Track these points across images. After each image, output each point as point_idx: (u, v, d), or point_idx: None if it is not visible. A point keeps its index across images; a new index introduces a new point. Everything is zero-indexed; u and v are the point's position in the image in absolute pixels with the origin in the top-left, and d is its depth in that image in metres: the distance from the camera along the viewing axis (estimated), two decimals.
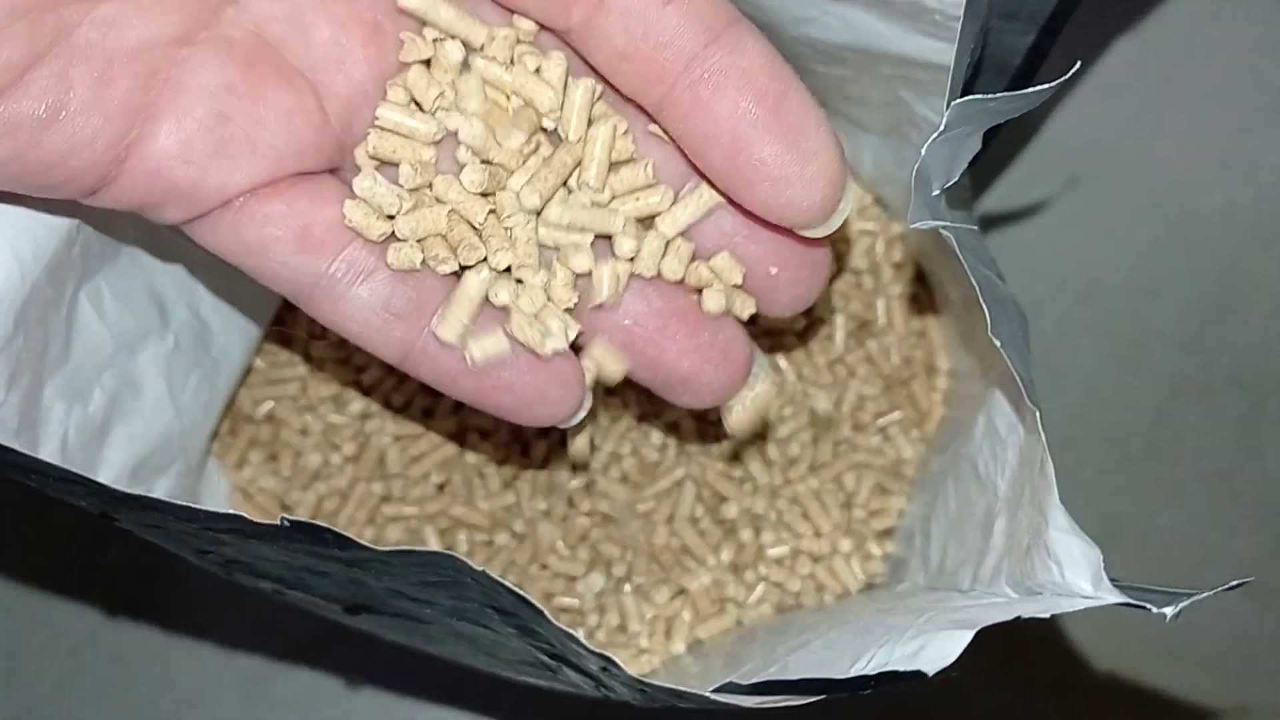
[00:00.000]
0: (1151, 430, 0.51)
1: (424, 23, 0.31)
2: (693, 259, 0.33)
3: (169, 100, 0.29)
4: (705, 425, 0.44)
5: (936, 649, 0.27)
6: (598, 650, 0.29)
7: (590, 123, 0.31)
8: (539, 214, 0.31)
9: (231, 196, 0.30)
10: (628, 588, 0.42)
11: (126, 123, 0.29)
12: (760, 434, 0.44)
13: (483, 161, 0.31)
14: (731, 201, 0.32)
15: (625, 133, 0.32)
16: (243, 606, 0.49)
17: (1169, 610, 0.26)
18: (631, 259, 0.32)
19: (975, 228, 0.39)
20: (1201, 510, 0.51)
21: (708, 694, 0.29)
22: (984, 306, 0.28)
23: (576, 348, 0.32)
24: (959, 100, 0.27)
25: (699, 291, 0.33)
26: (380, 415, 0.44)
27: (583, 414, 0.33)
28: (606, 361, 0.33)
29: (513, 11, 0.31)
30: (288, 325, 0.45)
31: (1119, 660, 0.48)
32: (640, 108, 0.31)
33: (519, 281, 0.32)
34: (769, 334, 0.45)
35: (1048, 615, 0.28)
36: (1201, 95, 0.54)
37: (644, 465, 0.43)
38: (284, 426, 0.44)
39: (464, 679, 0.47)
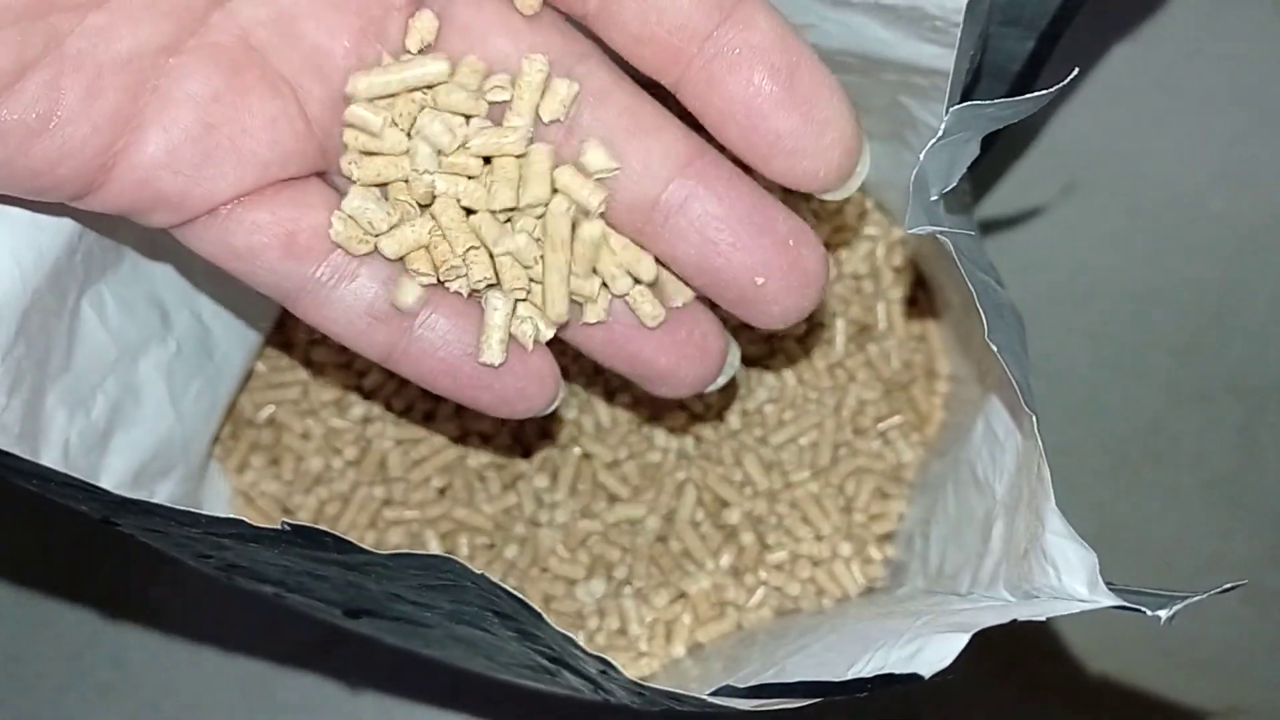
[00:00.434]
0: (1149, 436, 0.51)
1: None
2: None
3: (156, 110, 0.29)
4: (706, 428, 0.44)
5: (933, 652, 0.27)
6: (596, 654, 0.29)
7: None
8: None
9: (217, 204, 0.30)
10: (628, 591, 0.42)
11: (114, 132, 0.29)
12: (761, 439, 0.44)
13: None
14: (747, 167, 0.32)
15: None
16: (244, 610, 0.48)
17: (1164, 613, 0.26)
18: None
19: (974, 233, 0.39)
20: (1199, 515, 0.51)
21: (705, 697, 0.29)
22: (981, 312, 0.28)
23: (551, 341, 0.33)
24: (958, 106, 0.27)
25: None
26: (381, 419, 0.44)
27: (556, 405, 0.34)
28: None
29: None
30: (288, 329, 0.45)
31: (1117, 663, 0.48)
32: (658, 86, 0.32)
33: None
34: (769, 339, 0.45)
35: (1044, 618, 0.28)
36: (1199, 102, 0.54)
37: (645, 468, 0.44)
38: (285, 431, 0.44)
39: (463, 682, 0.47)
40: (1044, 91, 0.28)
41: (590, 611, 0.42)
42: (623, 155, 0.32)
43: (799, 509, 0.43)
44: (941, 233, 0.27)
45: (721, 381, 0.35)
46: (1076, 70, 0.29)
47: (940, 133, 0.28)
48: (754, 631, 0.41)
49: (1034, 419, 0.29)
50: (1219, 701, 0.48)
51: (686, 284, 0.33)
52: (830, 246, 0.46)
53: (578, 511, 0.43)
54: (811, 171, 0.31)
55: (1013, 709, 0.48)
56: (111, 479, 0.36)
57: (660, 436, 0.44)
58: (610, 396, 0.44)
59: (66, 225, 0.32)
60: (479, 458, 0.44)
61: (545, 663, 0.32)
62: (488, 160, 0.31)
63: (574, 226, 0.32)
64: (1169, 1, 0.55)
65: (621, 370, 0.34)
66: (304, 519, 0.43)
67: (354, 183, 0.31)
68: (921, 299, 0.46)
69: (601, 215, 0.32)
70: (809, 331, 0.45)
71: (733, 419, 0.44)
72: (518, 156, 0.31)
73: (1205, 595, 0.26)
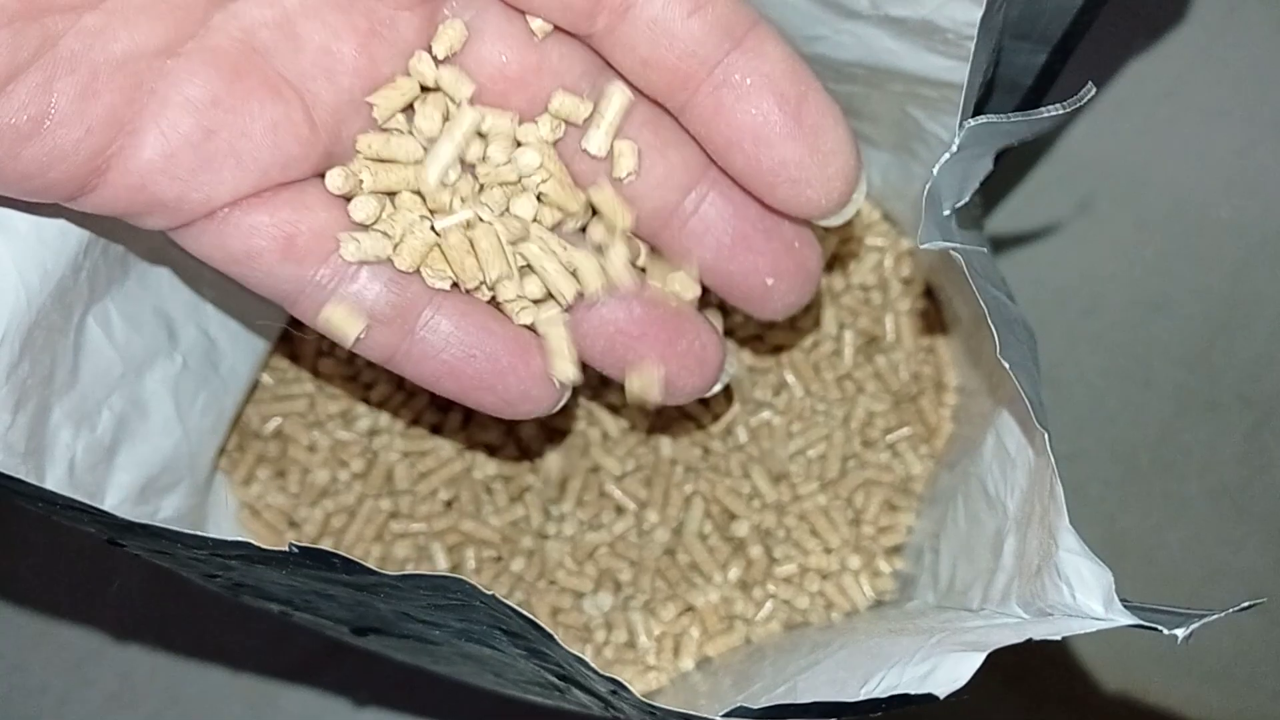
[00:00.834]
0: (1158, 445, 0.51)
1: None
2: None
3: (153, 114, 0.29)
4: (714, 440, 0.44)
5: (948, 671, 0.27)
6: (607, 674, 0.29)
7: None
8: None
9: (216, 208, 0.30)
10: (635, 604, 0.42)
11: (109, 135, 0.28)
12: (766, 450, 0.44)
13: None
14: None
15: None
16: (249, 622, 0.48)
17: (1180, 632, 0.26)
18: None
19: (985, 248, 0.39)
20: (1208, 525, 0.51)
21: (718, 718, 0.29)
22: (993, 329, 0.28)
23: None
24: (972, 122, 0.27)
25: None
26: (388, 431, 0.44)
27: (560, 405, 0.34)
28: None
29: (530, 14, 0.31)
30: (295, 341, 0.45)
31: (1125, 675, 0.48)
32: (663, 107, 0.32)
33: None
34: (776, 350, 0.45)
35: (1059, 637, 0.28)
36: (1207, 112, 0.55)
37: (653, 480, 0.43)
38: (292, 443, 0.44)
39: (469, 696, 0.47)
40: (1058, 108, 0.28)
41: (598, 625, 0.42)
42: (647, 166, 0.32)
43: (807, 521, 0.43)
44: (954, 249, 0.27)
45: (717, 388, 0.35)
46: (1092, 87, 0.28)
47: (954, 148, 0.27)
48: (763, 646, 0.41)
49: (1046, 436, 0.29)
50: (1227, 712, 0.48)
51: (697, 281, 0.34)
52: (838, 258, 0.46)
53: (585, 524, 0.43)
54: (814, 200, 0.31)
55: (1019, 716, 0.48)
56: (117, 494, 0.36)
57: (668, 448, 0.44)
58: (617, 410, 0.44)
59: (71, 242, 0.32)
60: (485, 469, 0.43)
61: (555, 680, 0.32)
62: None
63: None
64: (1179, 13, 0.55)
65: (621, 378, 0.34)
66: (310, 532, 0.43)
67: (362, 190, 0.31)
68: (930, 311, 0.46)
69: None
70: (817, 343, 0.45)
71: (740, 431, 0.44)
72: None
73: (1223, 614, 0.25)
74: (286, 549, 0.26)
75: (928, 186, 0.27)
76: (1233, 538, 0.50)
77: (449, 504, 0.43)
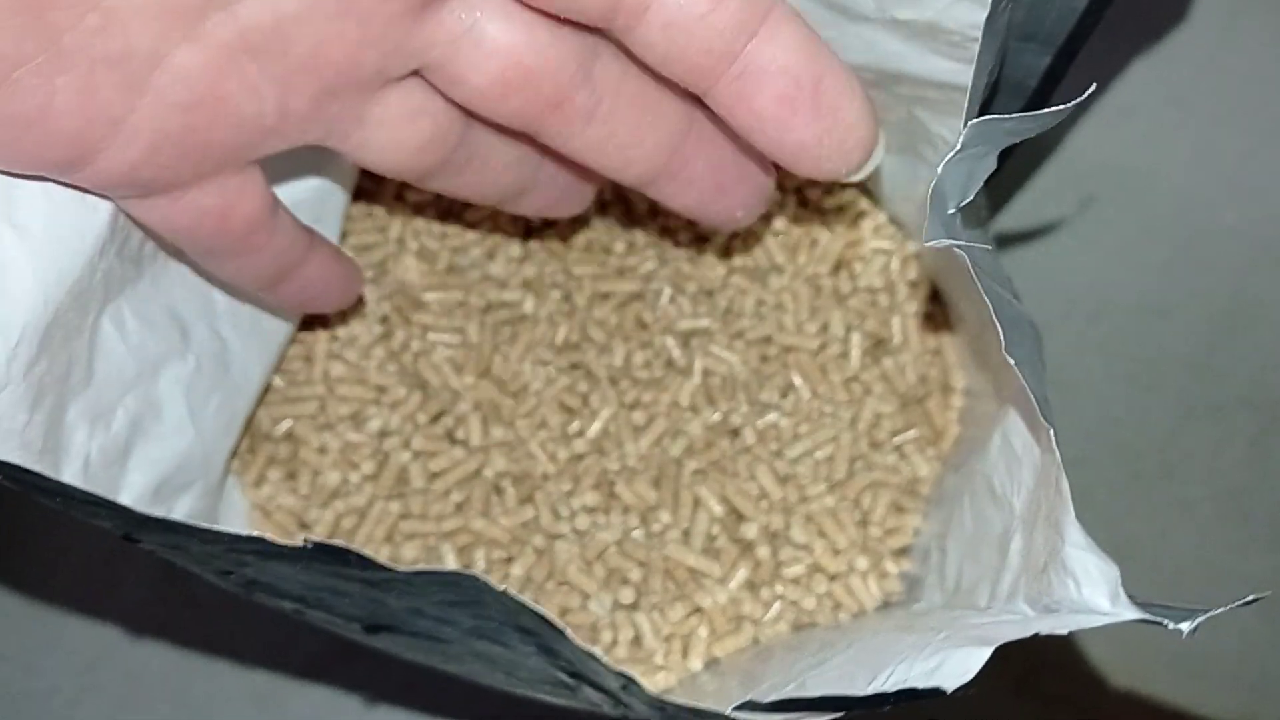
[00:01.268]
0: (1163, 450, 0.51)
1: None
2: None
3: (146, 110, 0.30)
4: (723, 440, 0.44)
5: (955, 665, 0.27)
6: (619, 669, 0.29)
7: None
8: None
9: (177, 189, 0.32)
10: (644, 604, 0.42)
11: (102, 129, 0.29)
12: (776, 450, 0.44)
13: None
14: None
15: None
16: (257, 624, 0.49)
17: (1185, 626, 0.26)
18: None
19: (990, 247, 0.39)
20: (1214, 529, 0.51)
21: (727, 713, 0.29)
22: (998, 326, 0.28)
23: None
24: (976, 120, 0.28)
25: None
26: (398, 433, 0.44)
27: None
28: None
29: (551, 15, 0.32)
30: (308, 342, 0.45)
31: (1134, 677, 0.48)
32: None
33: None
34: (783, 352, 0.45)
35: (1065, 632, 0.28)
36: (1212, 118, 0.55)
37: (662, 482, 0.44)
38: (303, 445, 0.44)
39: (478, 697, 0.47)
40: (1061, 106, 0.28)
41: (605, 625, 0.42)
42: (638, 140, 0.34)
43: (814, 523, 0.43)
44: (959, 246, 0.28)
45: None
46: (1094, 85, 0.29)
47: (959, 146, 0.28)
48: (770, 647, 0.41)
49: (1052, 432, 0.29)
50: (1235, 715, 0.48)
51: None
52: (845, 261, 0.46)
53: (594, 525, 0.43)
54: (835, 170, 0.33)
55: None
56: (132, 494, 0.36)
57: (677, 449, 0.44)
58: (630, 408, 0.45)
59: (88, 242, 0.32)
60: (495, 468, 0.44)
61: (565, 678, 0.32)
62: None
63: None
64: (1183, 18, 0.55)
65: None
66: (321, 533, 0.43)
67: None
68: (936, 313, 0.46)
69: None
70: (824, 345, 0.45)
71: (748, 433, 0.44)
72: None
73: (1228, 608, 0.26)
74: (301, 544, 0.26)
75: (933, 184, 0.28)
76: (1238, 541, 0.50)
77: (459, 505, 0.44)
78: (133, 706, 0.49)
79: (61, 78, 0.28)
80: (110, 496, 0.31)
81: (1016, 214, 0.54)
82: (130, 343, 0.36)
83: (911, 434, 0.45)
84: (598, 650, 0.32)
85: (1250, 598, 0.26)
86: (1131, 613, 0.27)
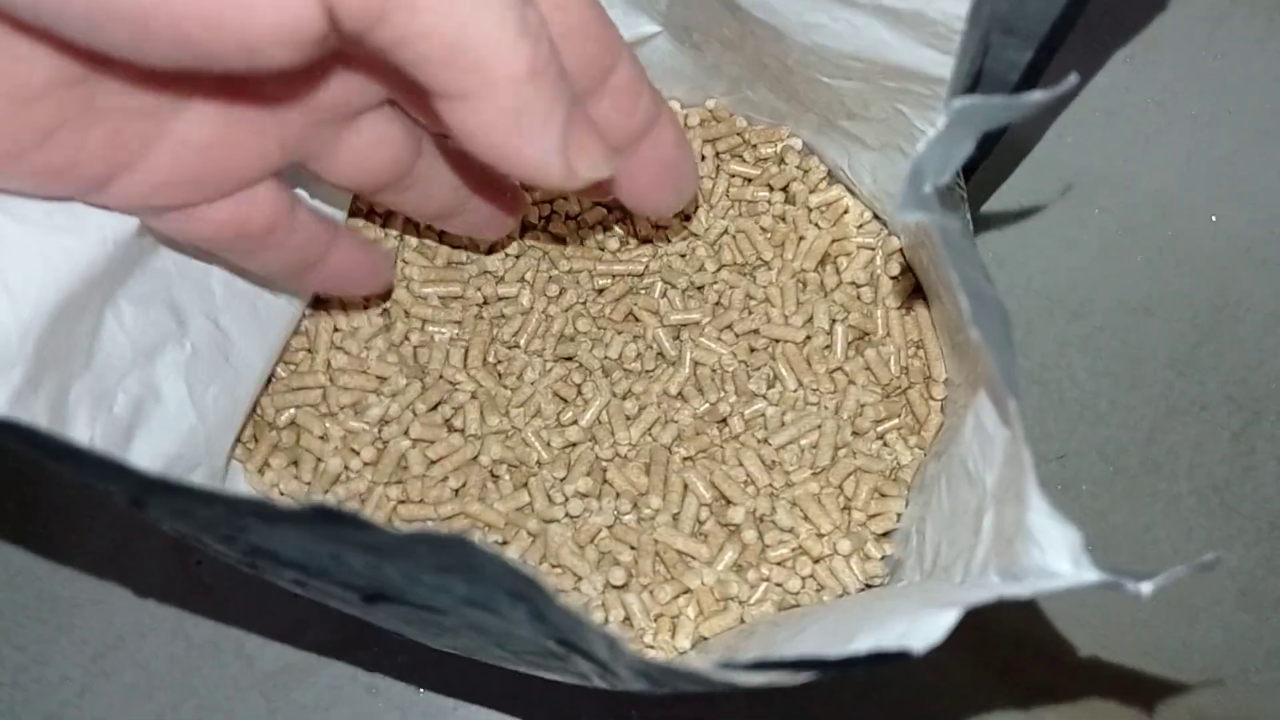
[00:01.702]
0: (1147, 446, 0.52)
1: None
2: None
3: (165, 150, 0.32)
4: (711, 429, 0.45)
5: (923, 630, 0.27)
6: (604, 630, 0.29)
7: None
8: None
9: (190, 208, 0.34)
10: (634, 586, 0.43)
11: (123, 169, 0.32)
12: (764, 439, 0.45)
13: None
14: None
15: None
16: (264, 614, 0.50)
17: (1145, 587, 0.26)
18: None
19: (963, 226, 0.39)
20: (1197, 524, 0.51)
21: (707, 672, 0.30)
22: (963, 298, 0.28)
23: None
24: (957, 101, 0.28)
25: None
26: (398, 421, 0.45)
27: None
28: None
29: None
30: (311, 334, 0.46)
31: (1118, 671, 0.48)
32: None
33: None
34: (770, 344, 0.46)
35: (1029, 595, 0.28)
36: (1194, 119, 0.55)
37: (653, 468, 0.45)
38: (305, 433, 0.45)
39: (481, 682, 0.48)
40: (1041, 92, 0.28)
41: (596, 605, 0.43)
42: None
43: (799, 507, 0.44)
44: (931, 221, 0.28)
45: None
46: (1076, 76, 0.29)
47: (940, 125, 0.28)
48: (755, 625, 0.42)
49: (1014, 404, 0.30)
50: (1218, 707, 0.49)
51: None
52: (830, 255, 0.47)
53: (586, 509, 0.44)
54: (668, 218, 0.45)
55: (1012, 717, 0.49)
56: None
57: (667, 437, 0.45)
58: (622, 398, 0.45)
59: (91, 232, 0.34)
60: (491, 455, 0.45)
61: (554, 647, 0.33)
62: None
63: None
64: (1166, 21, 0.55)
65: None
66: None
67: None
68: (919, 307, 0.47)
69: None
70: (809, 338, 0.46)
71: (736, 421, 0.45)
72: None
73: (1185, 569, 0.26)
74: (300, 506, 0.27)
75: (911, 162, 0.28)
76: (1221, 536, 0.51)
77: (457, 491, 0.45)
78: (141, 695, 0.49)
79: (94, 130, 0.31)
80: (120, 460, 0.32)
81: (1002, 214, 0.54)
82: (127, 328, 0.37)
83: (894, 422, 0.45)
84: (581, 610, 0.33)
85: (1207, 556, 0.27)
86: (1092, 575, 0.27)
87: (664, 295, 0.47)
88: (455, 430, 0.45)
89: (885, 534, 0.44)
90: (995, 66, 0.38)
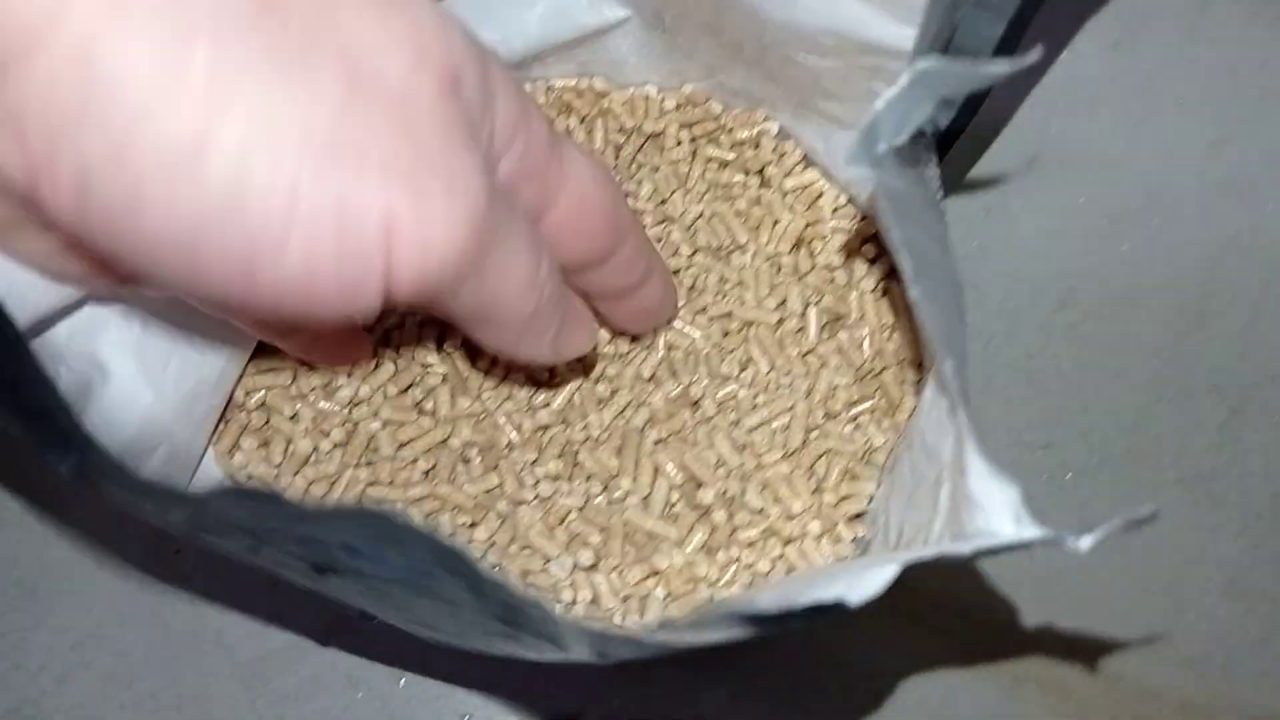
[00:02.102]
0: (1132, 435, 0.52)
1: None
2: None
3: None
4: (684, 411, 0.45)
5: (862, 584, 0.27)
6: (528, 595, 0.29)
7: None
8: None
9: None
10: (603, 566, 0.43)
11: None
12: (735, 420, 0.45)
13: None
14: None
15: None
16: (244, 602, 0.50)
17: (1085, 542, 0.26)
18: None
19: (930, 192, 0.39)
20: (1183, 513, 0.51)
21: (647, 638, 0.29)
22: (905, 256, 0.28)
23: None
24: (919, 63, 0.28)
25: None
26: (368, 403, 0.45)
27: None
28: None
29: None
30: None
31: (1103, 660, 0.48)
32: None
33: None
34: (747, 325, 0.46)
35: (969, 551, 0.28)
36: (1180, 106, 0.55)
37: (624, 450, 0.45)
38: (275, 414, 0.45)
39: (461, 670, 0.48)
40: (1002, 60, 0.28)
41: (565, 585, 0.43)
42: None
43: (770, 489, 0.44)
44: (875, 178, 0.28)
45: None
46: (1041, 48, 0.29)
47: (901, 84, 0.28)
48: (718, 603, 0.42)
49: (950, 363, 0.30)
50: (1203, 696, 0.48)
51: None
52: (804, 239, 0.47)
53: (557, 491, 0.44)
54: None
55: (996, 705, 0.48)
56: None
57: (640, 420, 0.45)
58: (595, 381, 0.45)
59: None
60: (461, 437, 0.45)
61: (500, 625, 0.32)
62: None
63: None
64: (1152, 5, 0.55)
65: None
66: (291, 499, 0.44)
67: None
68: (893, 290, 0.47)
69: None
70: (782, 320, 0.46)
71: (708, 404, 0.45)
72: None
73: (1123, 521, 0.26)
74: (220, 487, 0.26)
75: (869, 117, 0.28)
76: (1206, 525, 0.51)
77: (427, 473, 0.45)
78: (121, 683, 0.49)
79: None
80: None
81: (983, 203, 0.54)
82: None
83: (867, 405, 0.45)
84: (500, 575, 0.32)
85: (1144, 509, 0.26)
86: (1032, 531, 0.27)
87: None
88: (425, 413, 0.45)
89: (856, 515, 0.44)
90: (967, 41, 0.38)
